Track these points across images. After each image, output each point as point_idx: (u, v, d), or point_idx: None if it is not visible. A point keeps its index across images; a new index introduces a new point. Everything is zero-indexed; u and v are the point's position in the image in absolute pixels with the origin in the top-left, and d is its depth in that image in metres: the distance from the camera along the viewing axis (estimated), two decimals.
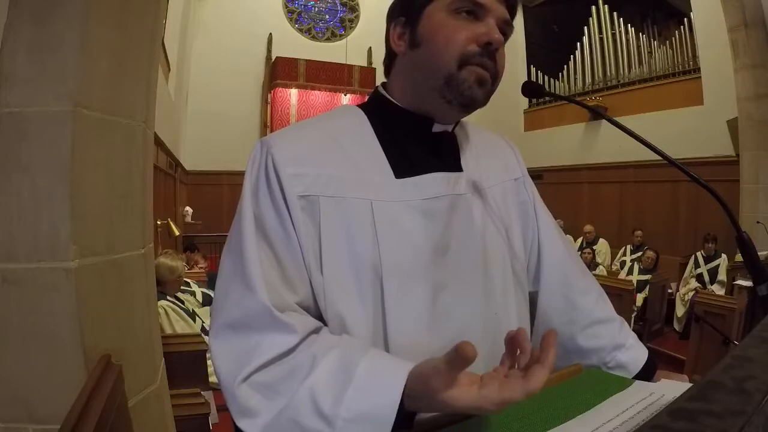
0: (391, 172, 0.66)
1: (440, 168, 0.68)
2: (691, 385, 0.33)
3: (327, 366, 0.52)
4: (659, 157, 0.64)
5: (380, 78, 0.77)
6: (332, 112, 0.75)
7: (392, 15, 0.70)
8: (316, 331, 0.59)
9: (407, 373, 0.49)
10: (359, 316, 0.61)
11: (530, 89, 0.71)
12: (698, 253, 5.03)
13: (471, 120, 0.77)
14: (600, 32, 7.65)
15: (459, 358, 0.42)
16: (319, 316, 0.62)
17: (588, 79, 7.85)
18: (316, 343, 0.56)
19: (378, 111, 0.71)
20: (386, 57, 0.73)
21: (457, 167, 0.71)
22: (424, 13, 0.65)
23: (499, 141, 0.83)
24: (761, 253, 1.18)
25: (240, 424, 0.54)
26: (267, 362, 0.55)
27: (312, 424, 0.50)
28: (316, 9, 9.07)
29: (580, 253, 5.97)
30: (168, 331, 2.53)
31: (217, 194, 7.66)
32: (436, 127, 0.69)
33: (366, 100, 0.75)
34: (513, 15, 0.67)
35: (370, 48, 8.79)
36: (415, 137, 0.69)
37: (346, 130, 0.68)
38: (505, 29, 0.66)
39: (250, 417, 0.53)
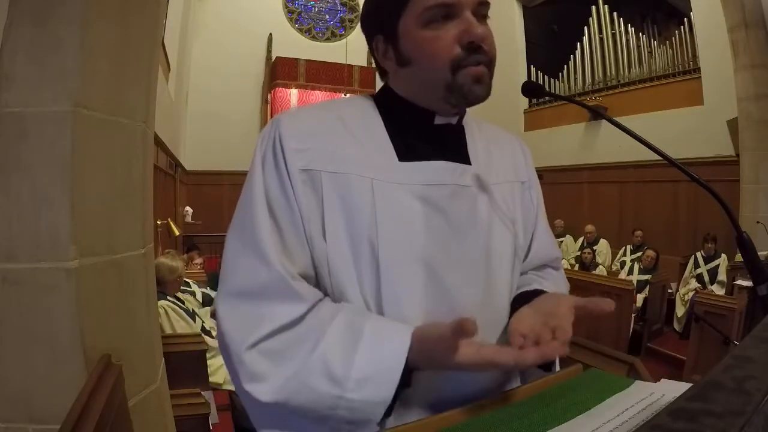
0: (395, 154, 0.67)
1: (446, 157, 0.69)
2: (691, 385, 0.33)
3: (335, 331, 0.56)
4: (659, 157, 0.64)
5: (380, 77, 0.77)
6: (343, 98, 0.77)
7: (368, 33, 0.70)
8: (322, 300, 0.61)
9: (410, 334, 0.55)
10: (357, 290, 0.62)
11: (530, 89, 0.71)
12: (698, 253, 5.03)
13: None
14: (600, 32, 7.65)
15: (461, 331, 0.49)
16: (320, 287, 0.63)
17: (588, 79, 7.85)
18: (321, 311, 0.59)
19: (385, 101, 0.72)
20: (378, 70, 0.73)
21: (465, 160, 0.72)
22: (399, 30, 0.65)
23: (513, 142, 0.83)
24: (761, 253, 1.18)
25: (247, 387, 0.56)
26: (275, 330, 0.57)
27: (324, 387, 0.54)
28: (316, 9, 9.07)
29: (580, 253, 5.97)
30: (168, 331, 2.52)
31: (217, 194, 7.65)
32: (438, 119, 0.70)
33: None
34: None
35: None
36: (418, 127, 0.70)
37: (355, 114, 0.70)
38: (483, 8, 0.65)
39: (258, 382, 0.56)
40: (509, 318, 0.71)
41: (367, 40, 0.71)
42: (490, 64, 0.65)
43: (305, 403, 0.55)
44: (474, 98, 0.65)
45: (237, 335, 0.58)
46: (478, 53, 0.63)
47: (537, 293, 0.69)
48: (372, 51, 0.71)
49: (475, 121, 0.78)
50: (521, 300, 0.70)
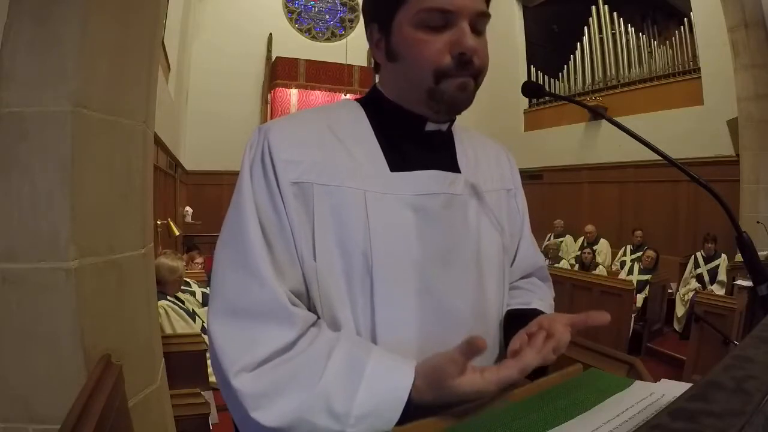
0: (386, 164, 0.66)
1: (436, 166, 0.69)
2: (690, 385, 0.33)
3: (335, 366, 0.55)
4: (659, 157, 0.64)
5: (375, 70, 0.78)
6: (331, 105, 0.75)
7: (365, 18, 0.70)
8: (316, 324, 0.60)
9: (413, 370, 0.55)
10: (348, 304, 0.61)
11: (530, 89, 0.71)
12: (698, 253, 5.03)
13: (471, 119, 0.77)
14: (600, 32, 7.65)
15: (471, 348, 0.50)
16: (310, 305, 0.62)
17: (588, 79, 7.85)
18: (319, 341, 0.57)
19: (374, 106, 0.71)
20: (374, 62, 0.73)
21: (454, 168, 0.72)
22: (394, 24, 0.64)
23: (499, 151, 0.84)
24: (761, 253, 1.18)
25: (254, 414, 0.54)
26: (269, 357, 0.55)
27: (324, 422, 0.52)
28: (316, 9, 9.08)
29: (580, 253, 5.97)
30: (168, 331, 2.53)
31: (217, 194, 7.66)
32: (429, 126, 0.70)
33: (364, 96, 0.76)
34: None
35: None
36: (409, 134, 0.69)
37: (344, 122, 0.68)
38: (482, 22, 0.64)
39: (256, 409, 0.53)
40: (502, 334, 0.72)
41: (364, 24, 0.70)
42: (477, 75, 0.64)
43: None
44: (455, 105, 0.65)
45: (230, 355, 0.56)
46: (467, 67, 0.62)
47: (535, 313, 0.69)
48: (367, 36, 0.70)
49: (462, 128, 0.78)
50: (518, 319, 0.69)
